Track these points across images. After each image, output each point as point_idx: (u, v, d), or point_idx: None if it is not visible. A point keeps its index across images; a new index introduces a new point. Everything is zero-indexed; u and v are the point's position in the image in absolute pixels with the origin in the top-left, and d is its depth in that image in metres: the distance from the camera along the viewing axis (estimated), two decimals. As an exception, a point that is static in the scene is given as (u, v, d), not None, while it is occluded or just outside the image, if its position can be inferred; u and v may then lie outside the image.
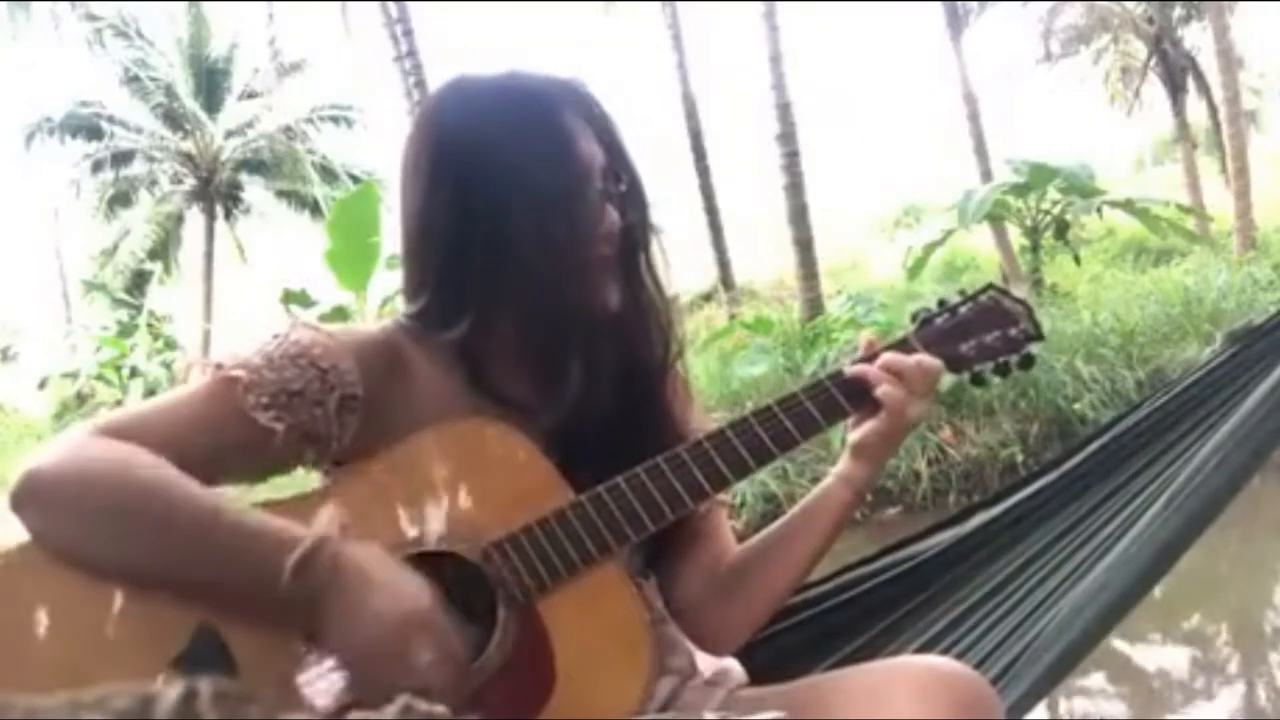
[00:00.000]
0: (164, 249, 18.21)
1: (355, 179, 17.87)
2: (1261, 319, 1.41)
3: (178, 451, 0.91)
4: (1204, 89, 16.99)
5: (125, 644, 0.88)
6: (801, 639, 1.26)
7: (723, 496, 1.13)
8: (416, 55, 10.55)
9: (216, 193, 18.68)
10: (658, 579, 1.13)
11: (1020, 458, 6.67)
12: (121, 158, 18.29)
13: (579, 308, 1.03)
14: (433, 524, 0.97)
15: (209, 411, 0.96)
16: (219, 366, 0.98)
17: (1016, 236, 11.78)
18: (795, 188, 10.39)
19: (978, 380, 1.15)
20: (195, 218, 18.74)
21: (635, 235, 1.07)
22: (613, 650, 0.97)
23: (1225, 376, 1.38)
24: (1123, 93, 20.45)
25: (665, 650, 1.06)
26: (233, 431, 0.95)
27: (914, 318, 1.17)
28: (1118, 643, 4.50)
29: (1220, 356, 1.40)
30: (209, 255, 18.29)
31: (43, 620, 0.89)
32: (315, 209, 18.30)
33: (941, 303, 1.17)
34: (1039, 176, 9.23)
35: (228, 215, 19.19)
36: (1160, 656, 4.32)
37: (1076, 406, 6.71)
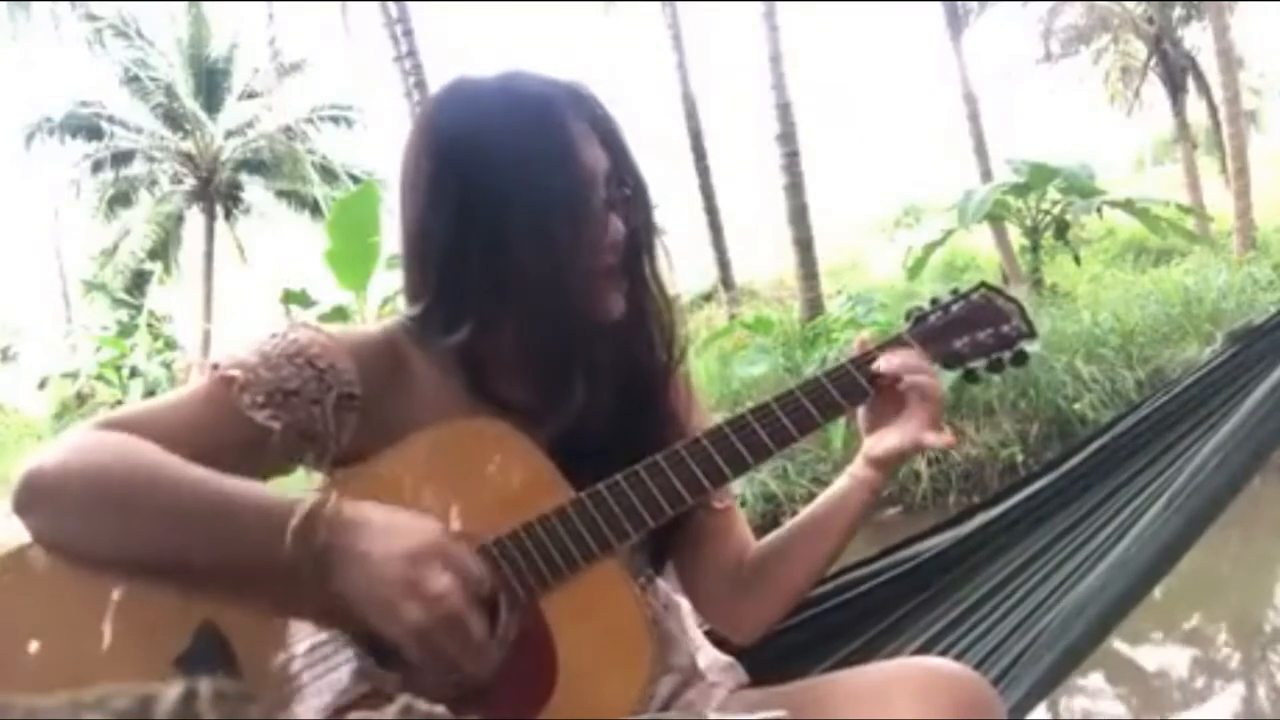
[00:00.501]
0: (164, 249, 18.22)
1: (355, 179, 17.87)
2: (1261, 319, 1.41)
3: (174, 450, 0.91)
4: (1204, 89, 16.99)
5: (126, 644, 0.88)
6: (802, 639, 1.27)
7: (734, 490, 1.14)
8: (416, 55, 10.55)
9: (216, 193, 18.69)
10: (679, 573, 1.15)
11: (1020, 458, 6.67)
12: (121, 158, 18.30)
13: (581, 315, 1.03)
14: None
15: (206, 411, 0.96)
16: (215, 366, 0.98)
17: (1016, 236, 11.79)
18: (795, 188, 10.39)
19: (971, 377, 1.17)
20: (195, 218, 18.75)
21: (639, 239, 1.07)
22: (614, 648, 0.97)
23: (1225, 376, 1.38)
24: (1123, 93, 20.46)
25: (666, 649, 1.07)
26: (230, 431, 0.95)
27: (908, 316, 1.18)
28: (1118, 643, 4.50)
29: (1220, 356, 1.40)
30: (209, 255, 18.31)
31: (43, 621, 0.89)
32: (315, 209, 18.31)
33: (935, 301, 1.19)
34: (1039, 176, 9.23)
35: (228, 215, 19.20)
36: (1160, 656, 4.32)
37: (1076, 406, 6.71)
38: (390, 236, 8.29)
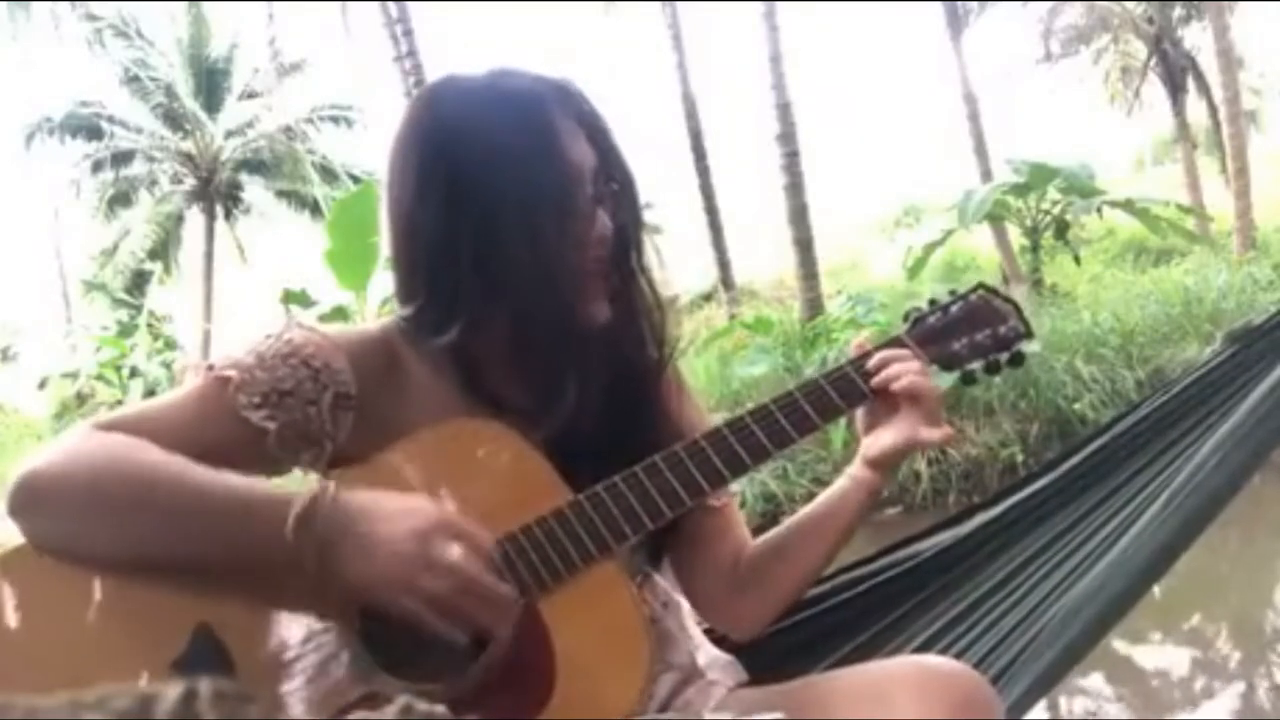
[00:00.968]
0: (164, 249, 18.22)
1: (355, 179, 17.87)
2: (1261, 319, 1.41)
3: (171, 450, 0.91)
4: (1204, 89, 17.00)
5: (123, 646, 0.88)
6: (801, 638, 1.27)
7: (734, 489, 1.14)
8: (416, 55, 10.55)
9: (216, 193, 18.69)
10: (677, 572, 1.15)
11: (1020, 458, 6.66)
12: (121, 158, 18.30)
13: (570, 313, 1.03)
14: None
15: (202, 411, 0.96)
16: (211, 367, 0.98)
17: (1016, 236, 11.79)
18: (795, 188, 10.39)
19: (969, 378, 1.17)
20: (195, 218, 18.75)
21: (627, 236, 1.06)
22: (613, 649, 0.97)
23: (1225, 376, 1.39)
24: (1123, 93, 20.45)
25: (665, 647, 1.07)
26: (226, 431, 0.95)
27: (906, 317, 1.19)
28: (1118, 643, 4.50)
29: (1220, 356, 1.40)
30: (209, 255, 18.31)
31: (41, 622, 0.89)
32: (315, 209, 18.31)
33: (933, 302, 1.19)
34: (1039, 176, 9.23)
35: (228, 215, 19.20)
36: (1160, 656, 4.32)
37: (1076, 406, 6.71)
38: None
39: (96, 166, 18.17)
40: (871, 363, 1.10)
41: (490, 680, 0.92)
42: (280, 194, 19.34)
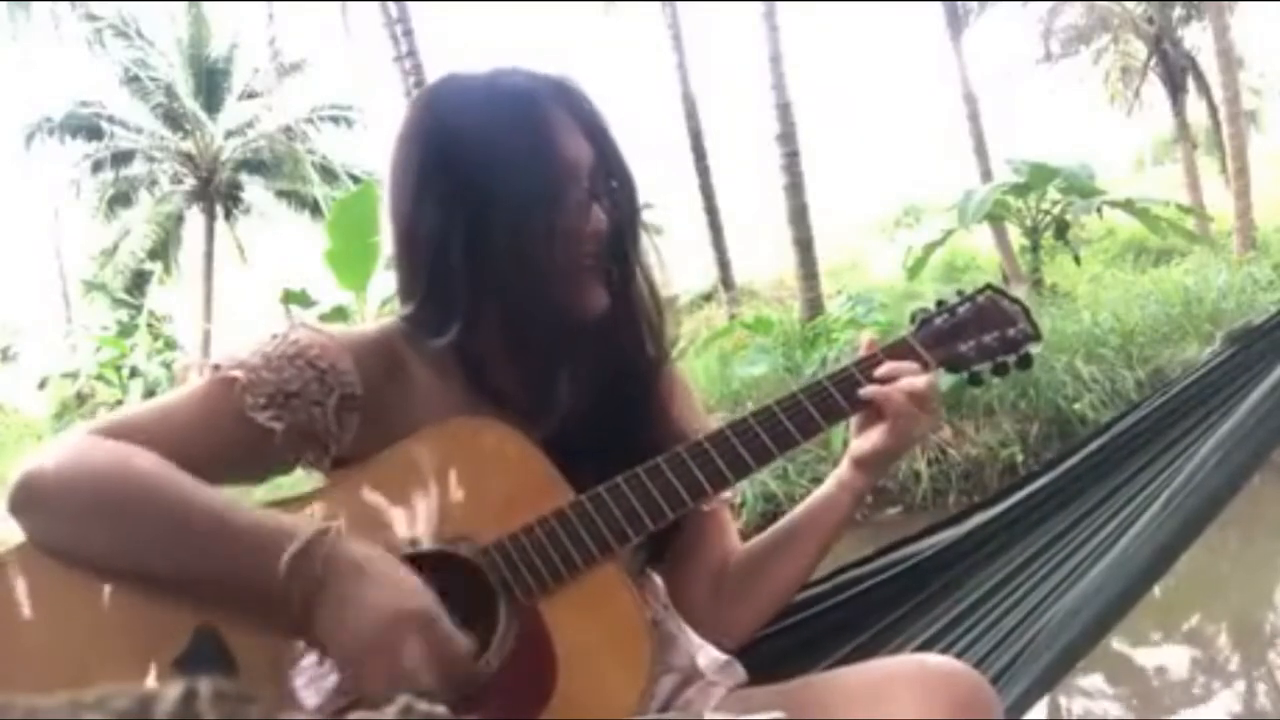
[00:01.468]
0: (164, 249, 18.22)
1: (355, 179, 17.86)
2: (1261, 319, 1.41)
3: (176, 452, 0.91)
4: (1204, 89, 17.00)
5: (125, 645, 0.88)
6: (801, 638, 1.27)
7: (726, 495, 1.13)
8: (416, 55, 10.54)
9: (216, 193, 18.69)
10: (664, 577, 1.14)
11: (1020, 458, 6.66)
12: (121, 158, 18.29)
13: (563, 308, 1.03)
14: (432, 524, 0.97)
15: (207, 412, 0.96)
16: (216, 367, 0.98)
17: (1016, 236, 11.79)
18: (795, 188, 10.39)
19: (976, 380, 1.16)
20: (195, 218, 18.75)
21: (624, 234, 1.06)
22: (614, 650, 0.97)
23: (1225, 376, 1.38)
24: (1123, 93, 20.45)
25: (666, 648, 1.07)
26: (231, 432, 0.95)
27: (913, 318, 1.18)
28: (1118, 643, 4.50)
29: (1220, 356, 1.40)
30: (209, 255, 18.30)
31: (42, 621, 0.89)
32: (315, 209, 18.30)
33: (940, 303, 1.18)
34: (1039, 176, 9.23)
35: (228, 215, 19.20)
36: (1160, 656, 4.32)
37: (1076, 406, 6.71)
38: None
39: (96, 166, 18.17)
40: (880, 372, 1.09)
41: (491, 681, 0.92)
42: (280, 194, 19.34)
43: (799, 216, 10.46)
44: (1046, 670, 1.22)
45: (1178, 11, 17.08)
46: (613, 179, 1.05)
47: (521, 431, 1.00)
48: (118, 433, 0.93)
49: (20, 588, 0.89)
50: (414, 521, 0.97)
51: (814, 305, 10.23)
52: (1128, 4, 17.58)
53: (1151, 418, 1.39)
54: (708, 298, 16.84)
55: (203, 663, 0.87)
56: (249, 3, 19.94)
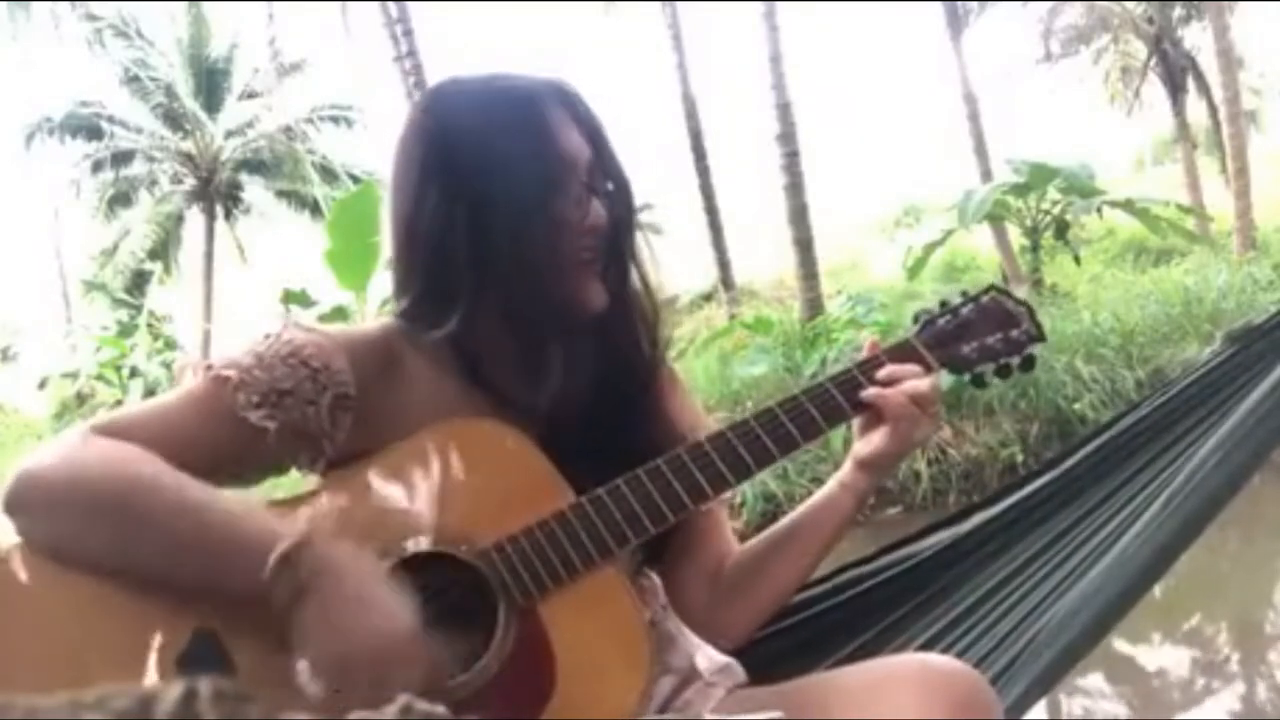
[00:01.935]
0: (164, 249, 18.21)
1: (355, 179, 17.86)
2: (1261, 319, 1.41)
3: (170, 451, 0.91)
4: (1204, 89, 17.00)
5: (124, 644, 0.88)
6: (801, 638, 1.26)
7: (725, 495, 1.13)
8: (416, 55, 10.54)
9: (216, 193, 18.69)
10: (661, 578, 1.14)
11: (1020, 458, 6.66)
12: (121, 158, 18.28)
13: (562, 303, 1.04)
14: (431, 525, 0.97)
15: (201, 411, 0.96)
16: (209, 367, 0.98)
17: (1016, 236, 11.79)
18: (795, 188, 10.39)
19: (979, 382, 1.16)
20: (195, 218, 18.74)
21: (620, 233, 1.07)
22: (613, 651, 0.97)
23: (1225, 376, 1.38)
24: (1123, 93, 20.45)
25: (664, 649, 1.07)
26: (225, 431, 0.95)
27: (916, 319, 1.17)
28: (1118, 643, 4.50)
29: (1220, 356, 1.40)
30: (209, 255, 18.30)
31: (40, 620, 0.89)
32: (315, 209, 18.30)
33: (943, 304, 1.18)
34: (1039, 176, 9.23)
35: (228, 215, 19.19)
36: (1160, 656, 4.32)
37: (1076, 406, 6.71)
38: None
39: (96, 166, 18.16)
40: (881, 374, 1.09)
41: (490, 682, 0.92)
42: (280, 194, 19.33)
43: (799, 216, 10.46)
44: (1046, 670, 1.22)
45: (1178, 11, 17.07)
46: (609, 180, 1.06)
47: (518, 428, 1.01)
48: (113, 432, 0.93)
49: (18, 586, 0.89)
50: (412, 522, 0.97)
51: (814, 305, 10.23)
52: (1128, 4, 17.58)
53: (1151, 418, 1.39)
54: (708, 298, 16.83)
55: (201, 663, 0.87)
56: (249, 3, 19.94)
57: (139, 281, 17.64)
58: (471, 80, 1.08)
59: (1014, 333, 1.15)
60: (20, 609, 0.89)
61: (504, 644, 0.93)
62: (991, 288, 1.19)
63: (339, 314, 8.11)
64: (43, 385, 16.35)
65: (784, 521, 1.17)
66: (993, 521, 1.36)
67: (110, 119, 17.86)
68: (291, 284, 9.37)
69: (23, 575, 0.89)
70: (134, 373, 14.08)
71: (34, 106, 18.97)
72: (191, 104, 18.01)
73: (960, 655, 1.22)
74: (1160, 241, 11.88)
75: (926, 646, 1.25)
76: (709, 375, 7.74)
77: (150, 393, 13.61)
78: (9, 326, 18.80)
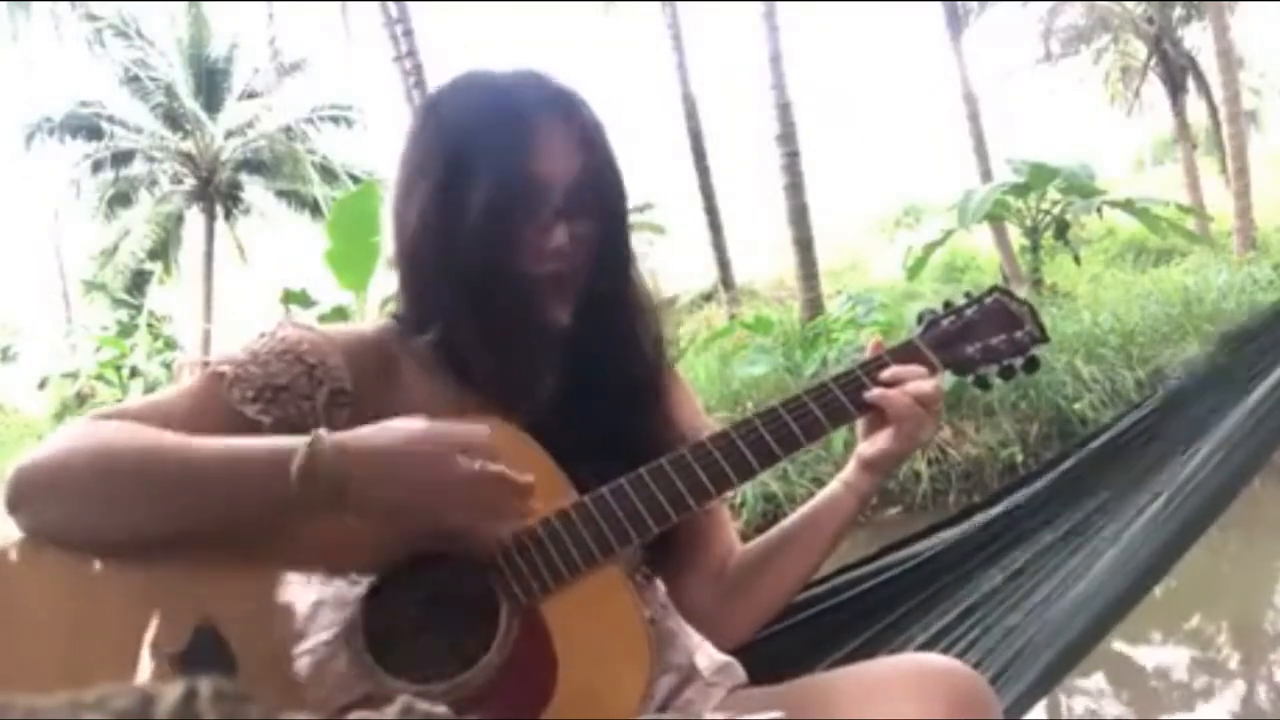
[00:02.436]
0: (164, 249, 18.21)
1: (355, 179, 17.85)
2: (1257, 320, 1.41)
3: None
4: (1204, 89, 16.99)
5: (124, 641, 0.88)
6: (801, 638, 1.27)
7: (726, 495, 1.14)
8: (416, 55, 10.55)
9: (216, 193, 18.69)
10: (663, 578, 1.14)
11: (1020, 458, 6.66)
12: (121, 158, 18.28)
13: (524, 320, 1.04)
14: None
15: (197, 406, 0.97)
16: (206, 364, 0.99)
17: (1016, 236, 11.78)
18: (795, 188, 10.39)
19: (982, 383, 1.16)
20: (195, 218, 18.75)
21: (605, 247, 1.06)
22: (614, 650, 0.97)
23: (1224, 376, 1.39)
24: (1123, 93, 20.46)
25: (665, 647, 1.07)
26: (221, 425, 0.95)
27: (920, 319, 1.17)
28: (1118, 643, 4.50)
29: (1217, 358, 1.40)
30: (209, 255, 18.30)
31: (39, 617, 0.89)
32: (315, 209, 18.30)
33: (947, 304, 1.18)
34: (1039, 176, 9.22)
35: (228, 215, 19.19)
36: (1160, 656, 4.32)
37: (1076, 406, 6.71)
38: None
39: (96, 166, 18.16)
40: (885, 374, 1.09)
41: (493, 680, 0.92)
42: (280, 194, 19.34)
43: (799, 216, 10.46)
44: (1046, 670, 1.22)
45: (1178, 11, 17.07)
46: (599, 194, 1.05)
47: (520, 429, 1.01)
48: (109, 419, 0.94)
49: (16, 583, 0.89)
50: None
51: (814, 305, 10.23)
52: (1128, 4, 17.58)
53: (1151, 418, 1.39)
54: (708, 298, 16.83)
55: (202, 659, 0.87)
56: (249, 2, 19.93)
57: (139, 281, 17.64)
58: (478, 79, 1.08)
59: (1018, 334, 1.15)
60: (18, 605, 0.88)
61: (505, 642, 0.93)
62: (995, 289, 1.19)
63: (339, 314, 8.10)
64: (43, 385, 16.35)
65: (787, 521, 1.17)
66: (993, 522, 1.36)
67: (110, 119, 17.86)
68: (291, 284, 9.37)
69: (21, 569, 0.89)
70: (134, 373, 14.08)
71: (34, 106, 18.99)
72: (191, 104, 18.01)
73: (960, 655, 1.22)
74: (1160, 241, 11.88)
75: (927, 647, 1.25)
76: (709, 375, 7.74)
77: (150, 392, 13.59)
78: (9, 326, 18.78)
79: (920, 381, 1.08)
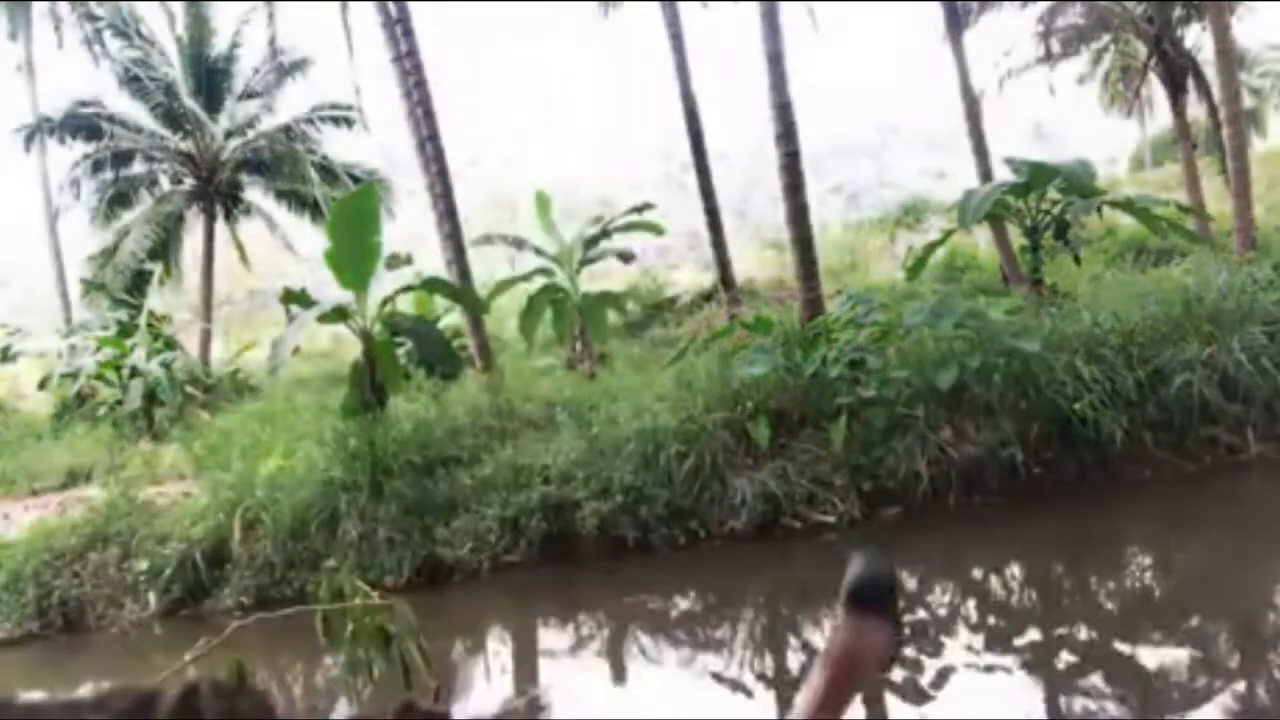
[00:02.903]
0: (164, 249, 18.16)
1: (355, 179, 17.84)
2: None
3: None
4: (1204, 89, 16.98)
5: None
6: None
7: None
8: (416, 55, 10.54)
9: (216, 193, 18.67)
10: None
11: (1020, 458, 6.65)
12: (121, 158, 18.25)
13: None
14: None
15: None
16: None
17: (1016, 236, 11.77)
18: (795, 188, 10.38)
19: None
20: (195, 218, 18.72)
21: None
22: None
23: None
24: (1123, 93, 20.44)
25: None
26: None
27: None
28: (1118, 643, 4.50)
29: None
30: (209, 255, 18.29)
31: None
32: (315, 209, 18.28)
33: None
34: (1039, 176, 9.22)
35: (228, 215, 19.17)
36: (1160, 656, 4.32)
37: (1076, 406, 6.71)
38: (390, 236, 8.27)
39: (96, 166, 18.12)
40: None
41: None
42: (280, 194, 19.32)
43: (799, 216, 10.45)
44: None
45: (1178, 11, 17.05)
46: None
47: None
48: None
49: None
50: None
51: (814, 305, 10.22)
52: (1128, 4, 17.56)
53: None
54: (708, 298, 16.83)
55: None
56: (249, 2, 19.89)
57: (139, 281, 17.58)
58: None
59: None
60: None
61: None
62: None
63: (339, 314, 8.10)
64: (43, 385, 16.33)
65: None
66: None
67: (110, 119, 17.82)
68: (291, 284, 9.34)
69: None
70: (134, 373, 14.05)
71: (34, 106, 18.97)
72: (191, 104, 17.99)
73: None
74: (1160, 241, 11.85)
75: None
76: (709, 375, 7.72)
77: (150, 392, 13.58)
78: (9, 326, 18.75)
79: None
